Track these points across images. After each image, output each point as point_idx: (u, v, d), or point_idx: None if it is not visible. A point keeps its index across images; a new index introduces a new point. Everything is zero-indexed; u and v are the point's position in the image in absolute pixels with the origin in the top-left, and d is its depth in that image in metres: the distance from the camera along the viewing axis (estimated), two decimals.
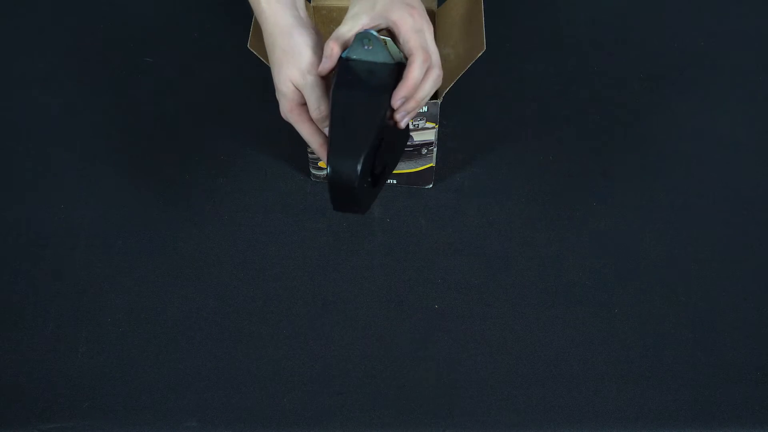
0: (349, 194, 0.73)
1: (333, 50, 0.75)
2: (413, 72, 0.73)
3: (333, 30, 1.01)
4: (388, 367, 0.85)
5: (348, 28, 0.75)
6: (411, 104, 0.74)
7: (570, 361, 0.86)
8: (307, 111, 0.79)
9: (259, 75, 1.07)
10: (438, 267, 0.92)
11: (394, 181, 0.98)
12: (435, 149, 0.93)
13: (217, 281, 0.91)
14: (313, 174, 0.98)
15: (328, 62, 0.75)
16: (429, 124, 0.89)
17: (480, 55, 0.84)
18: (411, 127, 0.89)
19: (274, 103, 0.80)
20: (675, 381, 0.85)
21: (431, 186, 0.98)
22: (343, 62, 0.75)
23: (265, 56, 0.84)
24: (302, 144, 0.95)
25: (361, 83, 0.74)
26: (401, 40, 0.74)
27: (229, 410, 0.83)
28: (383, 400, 0.83)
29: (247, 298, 0.90)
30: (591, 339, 0.87)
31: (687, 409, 0.83)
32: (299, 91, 0.78)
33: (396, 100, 0.73)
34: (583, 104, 1.06)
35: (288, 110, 0.79)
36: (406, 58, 0.74)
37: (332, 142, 0.72)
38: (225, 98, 1.06)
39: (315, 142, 0.80)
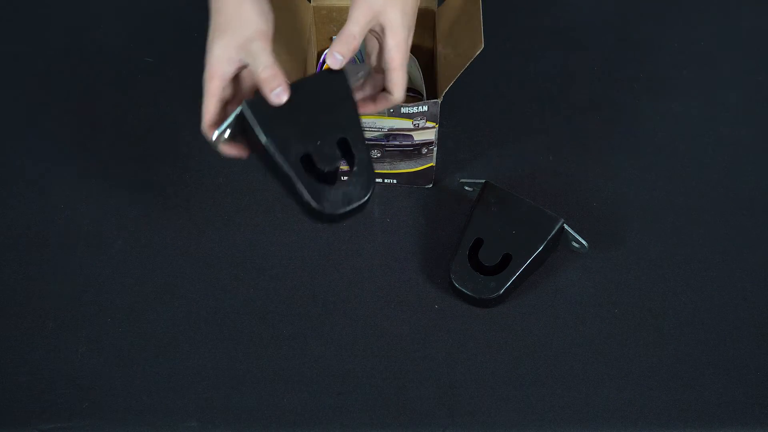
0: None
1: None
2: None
3: (334, 30, 1.02)
4: (388, 367, 0.85)
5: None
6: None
7: (570, 361, 0.86)
8: (223, 88, 0.77)
9: None
10: (438, 267, 0.92)
11: (394, 181, 0.98)
12: (435, 149, 0.93)
13: (217, 281, 0.91)
14: None
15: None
16: (429, 124, 0.89)
17: (479, 53, 0.84)
18: (411, 126, 0.89)
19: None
20: (675, 381, 0.85)
21: (431, 186, 0.98)
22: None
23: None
24: None
25: None
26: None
27: (229, 410, 0.83)
28: (383, 400, 0.83)
29: (247, 298, 0.90)
30: (591, 339, 0.87)
31: (687, 409, 0.83)
32: (236, 62, 0.75)
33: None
34: (583, 104, 1.06)
35: (209, 77, 0.76)
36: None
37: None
38: None
39: (210, 119, 0.77)
